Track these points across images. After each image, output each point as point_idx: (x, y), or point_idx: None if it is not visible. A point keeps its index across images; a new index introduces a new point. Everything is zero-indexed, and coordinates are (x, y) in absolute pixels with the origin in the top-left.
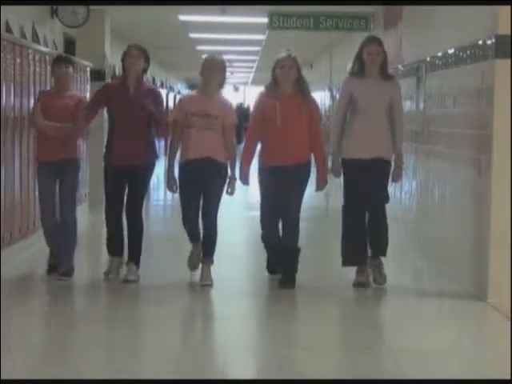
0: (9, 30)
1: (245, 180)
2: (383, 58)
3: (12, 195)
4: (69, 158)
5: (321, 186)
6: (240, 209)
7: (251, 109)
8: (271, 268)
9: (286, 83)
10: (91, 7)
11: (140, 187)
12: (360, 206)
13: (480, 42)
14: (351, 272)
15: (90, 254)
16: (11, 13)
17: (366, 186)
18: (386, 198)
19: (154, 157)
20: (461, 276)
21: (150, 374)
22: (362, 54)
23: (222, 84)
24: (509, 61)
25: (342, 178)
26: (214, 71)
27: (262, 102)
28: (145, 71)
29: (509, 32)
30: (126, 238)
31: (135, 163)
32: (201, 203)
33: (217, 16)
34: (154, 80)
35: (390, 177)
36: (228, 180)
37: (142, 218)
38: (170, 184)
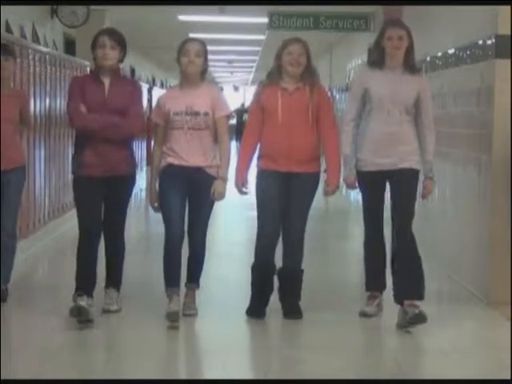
0: (9, 30)
1: (240, 185)
2: (408, 44)
3: None
4: (11, 165)
5: (331, 187)
6: (239, 208)
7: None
8: (254, 311)
9: (293, 73)
10: (91, 7)
11: (118, 203)
12: (382, 230)
13: (480, 42)
14: (352, 272)
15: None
16: (11, 13)
17: (391, 205)
18: (412, 217)
19: (133, 166)
20: (461, 276)
21: (150, 373)
22: (382, 40)
23: (204, 72)
24: (509, 61)
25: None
26: (193, 56)
27: (262, 93)
28: (121, 61)
29: (509, 32)
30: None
31: (111, 173)
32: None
33: (217, 16)
34: (153, 80)
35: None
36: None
37: (124, 240)
38: (151, 199)
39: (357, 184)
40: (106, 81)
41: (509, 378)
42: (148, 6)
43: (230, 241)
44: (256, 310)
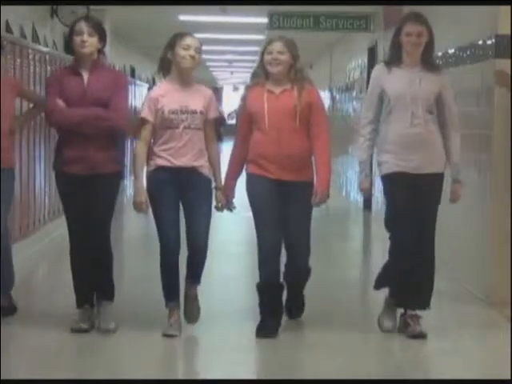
0: (9, 29)
1: (228, 194)
2: (428, 40)
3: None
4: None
5: (319, 196)
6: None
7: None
8: (265, 330)
9: (273, 73)
10: (91, 7)
11: (102, 203)
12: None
13: (480, 42)
14: (352, 272)
15: None
16: (11, 13)
17: (413, 211)
18: (434, 225)
19: (117, 163)
20: (461, 276)
21: (150, 373)
22: (400, 35)
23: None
24: (509, 61)
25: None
26: (193, 51)
27: (248, 97)
28: (100, 52)
29: (509, 32)
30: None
31: (93, 172)
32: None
33: (217, 16)
34: (153, 80)
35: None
36: (214, 191)
37: (110, 245)
38: (137, 199)
39: (371, 189)
40: (86, 72)
41: (509, 378)
42: (148, 6)
43: (229, 240)
44: (267, 328)
